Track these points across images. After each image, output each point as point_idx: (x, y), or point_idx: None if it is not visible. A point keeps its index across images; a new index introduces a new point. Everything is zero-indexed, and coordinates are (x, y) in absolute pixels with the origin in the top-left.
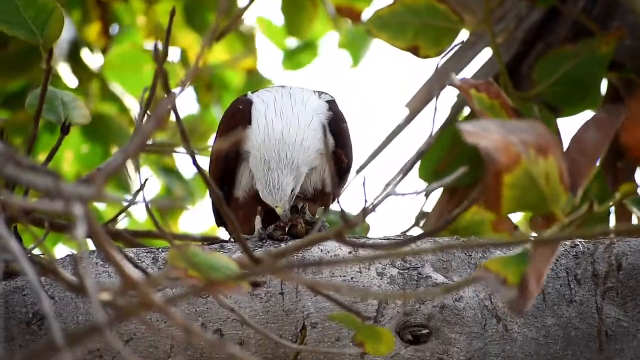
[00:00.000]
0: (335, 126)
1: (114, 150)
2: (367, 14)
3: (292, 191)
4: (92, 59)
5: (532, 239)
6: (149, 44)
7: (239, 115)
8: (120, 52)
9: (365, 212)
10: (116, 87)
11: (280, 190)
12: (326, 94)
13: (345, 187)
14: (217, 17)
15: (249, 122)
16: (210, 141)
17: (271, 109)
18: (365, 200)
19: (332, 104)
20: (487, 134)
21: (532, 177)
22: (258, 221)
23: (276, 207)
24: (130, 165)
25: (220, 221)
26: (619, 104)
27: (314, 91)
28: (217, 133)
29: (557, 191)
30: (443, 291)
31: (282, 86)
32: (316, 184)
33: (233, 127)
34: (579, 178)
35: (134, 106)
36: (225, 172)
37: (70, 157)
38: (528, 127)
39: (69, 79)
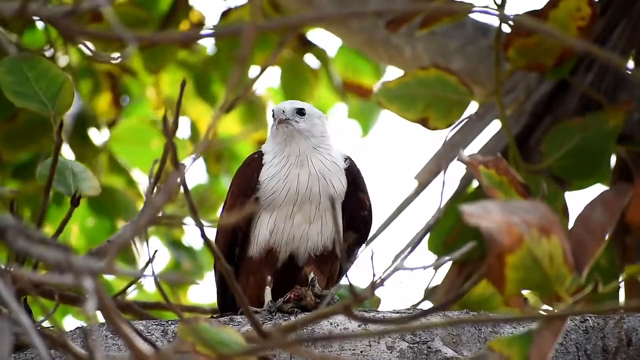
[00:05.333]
0: (354, 170)
1: (120, 224)
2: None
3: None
4: (98, 135)
5: (542, 314)
6: (158, 116)
7: (254, 164)
8: (128, 127)
9: (374, 286)
10: (124, 161)
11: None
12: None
13: (357, 253)
14: (227, 90)
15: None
16: (219, 212)
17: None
18: (374, 275)
19: (350, 157)
20: (488, 215)
21: (535, 258)
22: (268, 293)
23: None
24: (139, 239)
25: (223, 307)
26: (625, 183)
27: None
28: (230, 187)
29: (562, 272)
30: None
31: None
32: (326, 242)
33: (250, 175)
34: (585, 257)
35: (141, 180)
36: (238, 229)
37: (76, 231)
38: (531, 207)
39: (73, 157)
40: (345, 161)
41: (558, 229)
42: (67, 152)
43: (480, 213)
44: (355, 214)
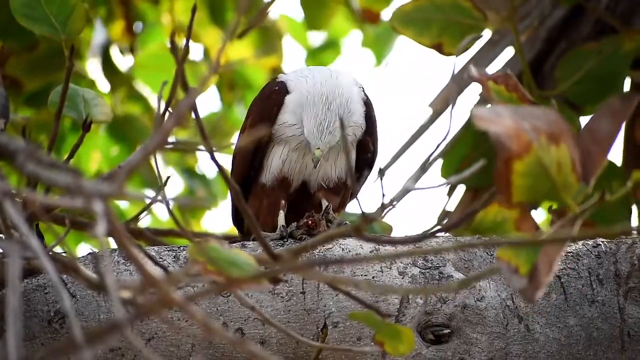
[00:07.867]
0: (368, 112)
1: None
2: (386, 15)
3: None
4: (123, 61)
5: (552, 238)
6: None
7: (274, 97)
8: (150, 53)
9: (384, 207)
10: (143, 88)
11: (330, 134)
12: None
13: (365, 180)
14: (238, 12)
15: (284, 101)
16: (233, 139)
17: (311, 78)
18: (384, 195)
19: (365, 90)
20: (498, 120)
21: (543, 165)
22: (281, 217)
23: (317, 149)
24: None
25: (237, 220)
26: (631, 93)
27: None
28: (248, 114)
29: (569, 180)
30: (461, 285)
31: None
32: (340, 174)
33: (269, 109)
34: (592, 167)
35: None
36: (255, 155)
37: (98, 157)
38: (541, 113)
39: (103, 84)
40: (362, 99)
41: (567, 137)
42: (101, 84)
43: (490, 117)
44: (358, 156)
